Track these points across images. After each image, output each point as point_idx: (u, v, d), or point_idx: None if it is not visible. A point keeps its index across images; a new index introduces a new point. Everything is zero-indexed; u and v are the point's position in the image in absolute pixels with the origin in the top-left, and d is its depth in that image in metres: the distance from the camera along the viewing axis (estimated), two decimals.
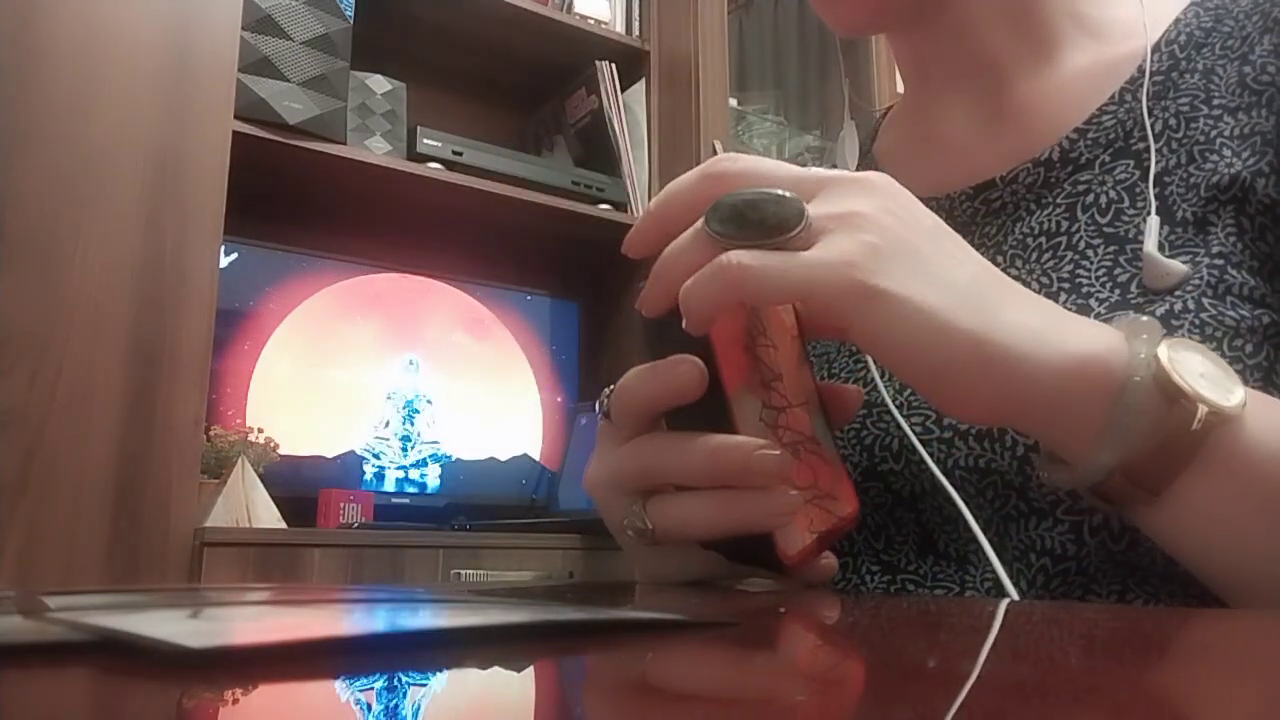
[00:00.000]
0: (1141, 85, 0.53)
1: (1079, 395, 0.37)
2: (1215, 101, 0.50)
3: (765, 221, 0.36)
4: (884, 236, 0.36)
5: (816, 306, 0.37)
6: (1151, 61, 0.53)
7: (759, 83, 2.55)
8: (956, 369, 0.36)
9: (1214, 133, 0.50)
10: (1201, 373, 0.37)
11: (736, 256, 0.36)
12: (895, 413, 0.51)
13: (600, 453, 0.44)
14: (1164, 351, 0.37)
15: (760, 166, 0.40)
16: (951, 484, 0.46)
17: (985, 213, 0.56)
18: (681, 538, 0.41)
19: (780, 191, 0.37)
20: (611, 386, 0.42)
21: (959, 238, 0.40)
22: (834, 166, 0.68)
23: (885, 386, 0.52)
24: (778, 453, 0.38)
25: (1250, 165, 0.48)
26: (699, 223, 0.38)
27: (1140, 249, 0.48)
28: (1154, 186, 0.50)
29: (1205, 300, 0.46)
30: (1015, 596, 0.44)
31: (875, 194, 0.38)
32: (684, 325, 0.37)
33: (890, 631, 0.29)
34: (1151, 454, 0.36)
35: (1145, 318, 0.39)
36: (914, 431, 0.50)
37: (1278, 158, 0.47)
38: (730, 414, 0.40)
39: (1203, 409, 0.36)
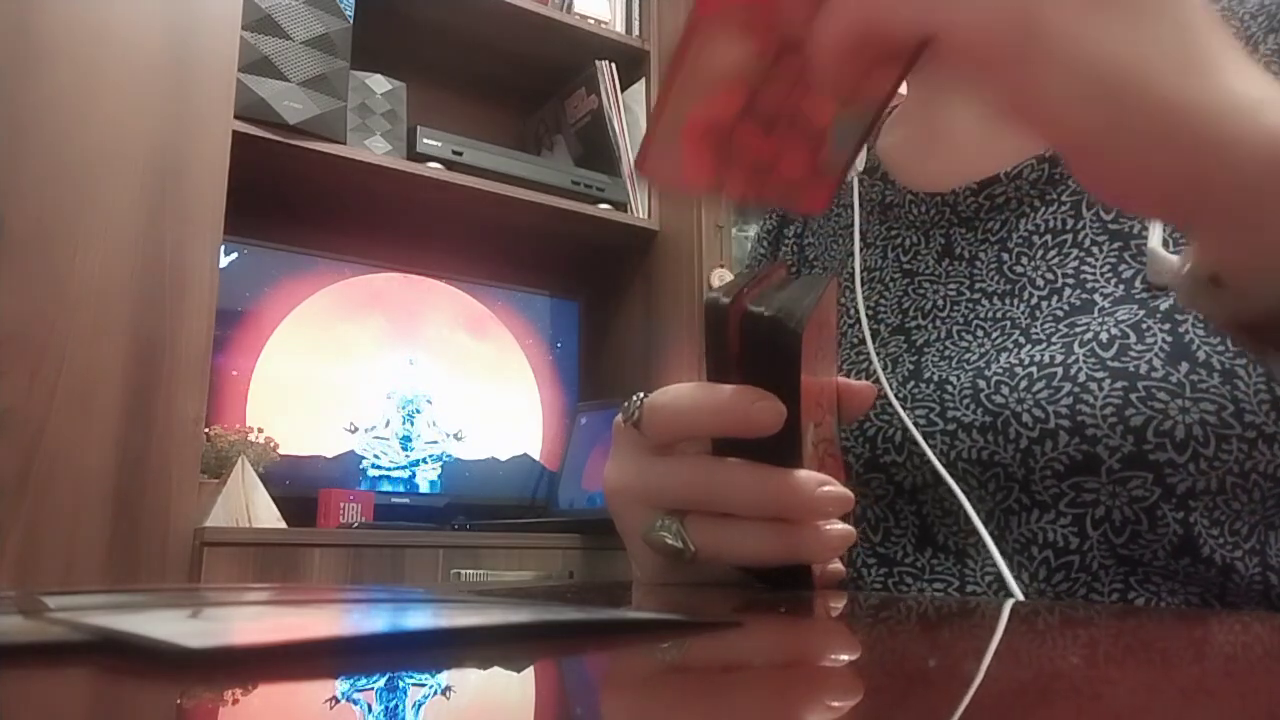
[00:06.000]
0: None
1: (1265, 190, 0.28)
2: None
3: None
4: None
5: (957, 42, 0.29)
6: None
7: None
8: (1140, 142, 0.28)
9: None
10: None
11: None
12: (897, 406, 0.51)
13: (624, 460, 0.43)
14: None
15: None
16: (953, 476, 0.46)
17: (989, 208, 0.57)
18: (723, 562, 0.41)
19: None
20: (641, 395, 0.41)
21: None
22: None
23: (888, 379, 0.52)
24: (840, 490, 0.38)
25: None
26: None
27: (1145, 244, 0.49)
28: None
29: None
30: (1016, 590, 0.44)
31: None
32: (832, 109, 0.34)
33: (892, 631, 0.29)
34: None
35: None
36: (916, 424, 0.50)
37: None
38: (793, 443, 0.38)
39: None
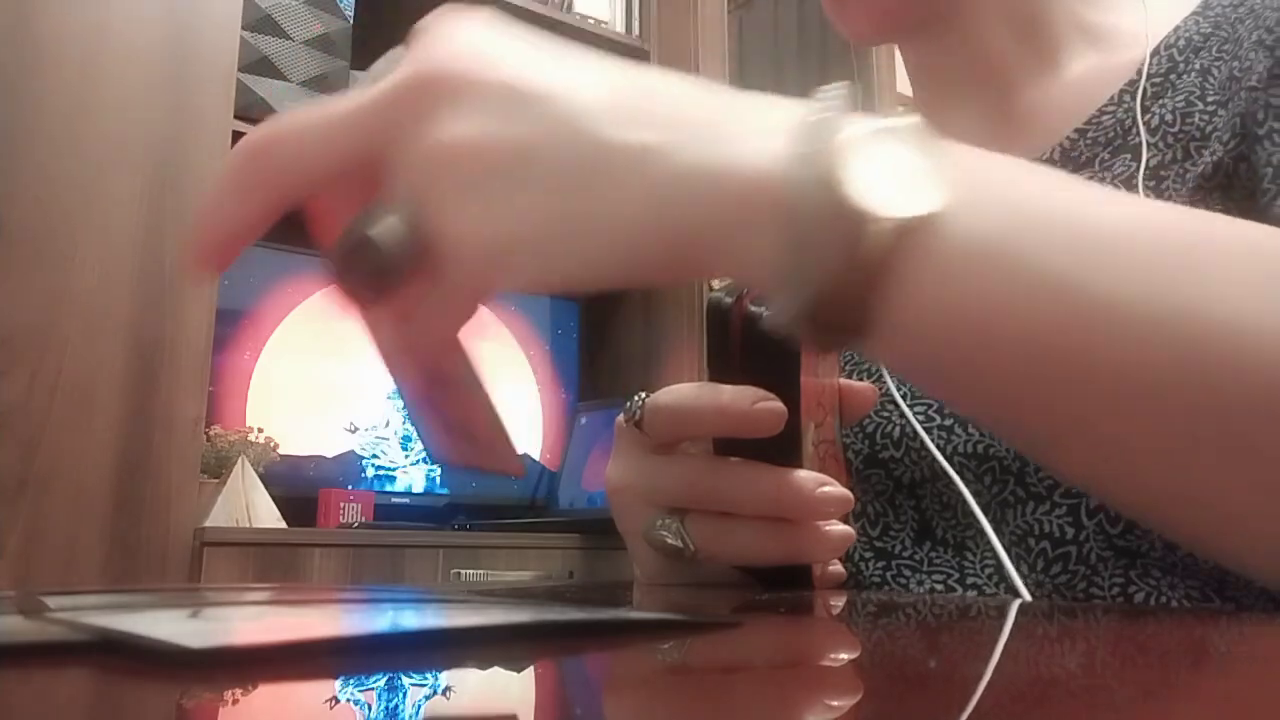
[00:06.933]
0: (1139, 86, 0.54)
1: (748, 223, 0.28)
2: (1209, 98, 0.51)
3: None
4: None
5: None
6: (1150, 65, 0.54)
7: (759, 83, 2.55)
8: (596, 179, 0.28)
9: (1209, 127, 0.50)
10: (894, 170, 0.27)
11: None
12: (900, 400, 0.51)
13: (625, 459, 0.43)
14: (841, 153, 0.27)
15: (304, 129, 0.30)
16: (951, 470, 0.47)
17: None
18: (723, 561, 0.41)
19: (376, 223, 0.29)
20: (643, 394, 0.41)
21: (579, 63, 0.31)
22: None
23: (889, 375, 0.53)
24: (840, 491, 0.38)
25: (1231, 151, 0.49)
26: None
27: None
28: (1150, 180, 0.50)
29: None
30: (1018, 581, 0.44)
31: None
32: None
33: (892, 631, 0.29)
34: (838, 286, 0.27)
35: (833, 101, 0.29)
36: (916, 419, 0.50)
37: (1248, 145, 0.48)
38: (794, 443, 0.39)
39: (881, 224, 0.26)
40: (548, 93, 0.29)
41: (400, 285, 0.29)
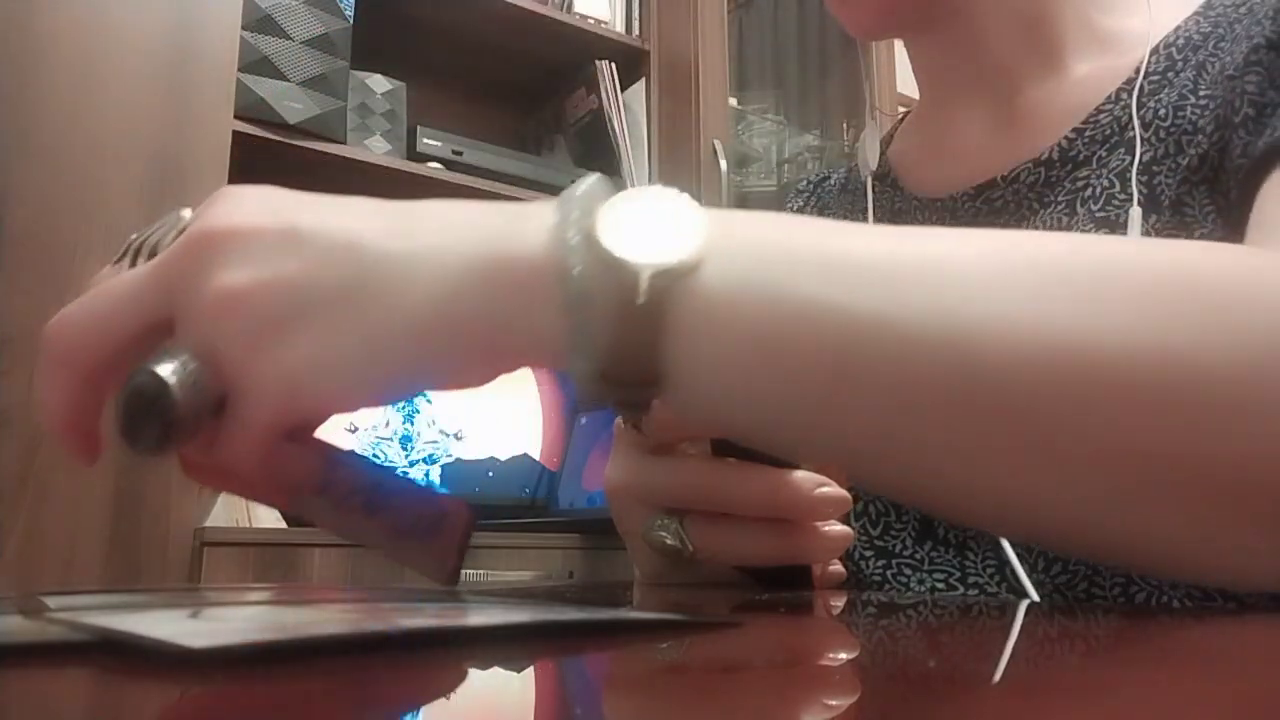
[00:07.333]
0: (1136, 84, 0.54)
1: (516, 302, 0.29)
2: (1202, 92, 0.51)
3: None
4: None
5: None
6: (1149, 63, 0.54)
7: (759, 82, 2.55)
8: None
9: (1200, 120, 0.50)
10: (652, 225, 0.29)
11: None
12: None
13: (624, 459, 0.43)
14: (599, 216, 0.29)
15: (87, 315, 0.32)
16: None
17: (987, 212, 0.57)
18: (722, 562, 0.41)
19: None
20: None
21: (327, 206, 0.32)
22: (852, 167, 0.69)
23: None
24: (838, 492, 0.38)
25: (1216, 145, 0.49)
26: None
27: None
28: (1143, 175, 0.51)
29: None
30: (1025, 579, 0.44)
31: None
32: None
33: (892, 631, 0.29)
34: (620, 339, 0.28)
35: (590, 183, 0.30)
36: None
37: (1228, 133, 0.48)
38: None
39: (648, 269, 0.28)
40: (315, 228, 0.30)
41: (185, 425, 0.30)
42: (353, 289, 0.29)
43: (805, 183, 0.75)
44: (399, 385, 0.31)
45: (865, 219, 0.63)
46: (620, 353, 0.28)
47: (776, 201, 2.16)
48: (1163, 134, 0.52)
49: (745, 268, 0.29)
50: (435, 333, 0.29)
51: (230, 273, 0.29)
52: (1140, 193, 0.50)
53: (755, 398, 0.29)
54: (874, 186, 0.64)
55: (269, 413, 0.30)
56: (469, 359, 0.31)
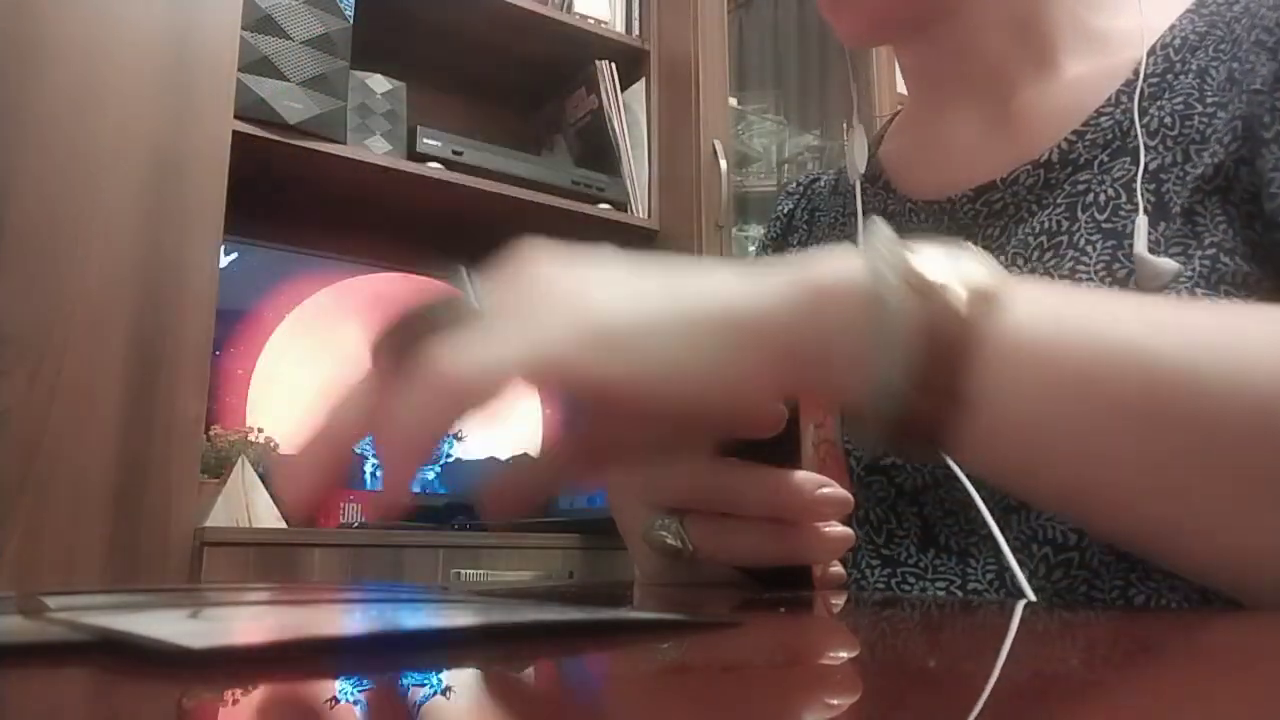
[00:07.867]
0: (1136, 87, 0.53)
1: (832, 318, 0.31)
2: (1209, 99, 0.51)
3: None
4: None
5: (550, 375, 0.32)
6: (1147, 65, 0.54)
7: (759, 82, 2.54)
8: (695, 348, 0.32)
9: (1208, 129, 0.50)
10: (954, 267, 0.32)
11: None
12: None
13: None
14: (909, 255, 0.31)
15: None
16: (955, 477, 0.47)
17: (986, 214, 0.57)
18: (722, 562, 0.41)
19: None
20: None
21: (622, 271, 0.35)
22: (843, 169, 0.68)
23: None
24: (839, 492, 0.38)
25: (1233, 154, 0.49)
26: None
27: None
28: (1148, 184, 0.50)
29: (1199, 291, 0.46)
30: (1026, 585, 0.44)
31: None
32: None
33: (892, 631, 0.29)
34: (931, 355, 0.30)
35: (881, 227, 0.33)
36: None
37: (1252, 148, 0.48)
38: (793, 444, 0.39)
39: (964, 292, 0.30)
40: (622, 267, 0.34)
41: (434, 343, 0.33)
42: (675, 284, 0.32)
43: (795, 184, 0.74)
44: (704, 373, 0.32)
45: (855, 222, 0.63)
46: (928, 369, 0.30)
47: None
48: (1170, 142, 0.51)
49: (1056, 305, 0.32)
50: (745, 327, 0.31)
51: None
52: (1147, 200, 0.50)
53: (1054, 427, 0.31)
54: (865, 189, 0.64)
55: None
56: (771, 360, 0.32)
